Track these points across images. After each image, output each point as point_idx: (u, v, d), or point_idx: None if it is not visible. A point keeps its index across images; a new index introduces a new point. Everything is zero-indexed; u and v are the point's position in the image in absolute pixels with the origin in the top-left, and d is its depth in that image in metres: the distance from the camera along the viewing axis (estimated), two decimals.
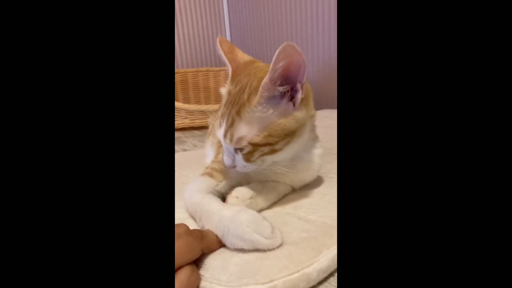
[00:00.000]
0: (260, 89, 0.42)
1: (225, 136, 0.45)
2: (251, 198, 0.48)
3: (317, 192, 0.54)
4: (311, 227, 0.44)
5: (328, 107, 1.21)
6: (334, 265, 0.38)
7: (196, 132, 1.14)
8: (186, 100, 1.52)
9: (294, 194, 0.54)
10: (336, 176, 0.60)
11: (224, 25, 1.75)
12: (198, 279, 0.36)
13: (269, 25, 1.49)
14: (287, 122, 0.44)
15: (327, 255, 0.38)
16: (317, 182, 0.58)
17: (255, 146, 0.44)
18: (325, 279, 0.38)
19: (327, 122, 0.95)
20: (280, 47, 0.38)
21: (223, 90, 0.49)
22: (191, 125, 1.15)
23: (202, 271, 0.37)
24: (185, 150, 0.96)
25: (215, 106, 0.99)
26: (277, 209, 0.50)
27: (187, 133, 1.14)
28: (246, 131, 0.43)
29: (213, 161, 0.57)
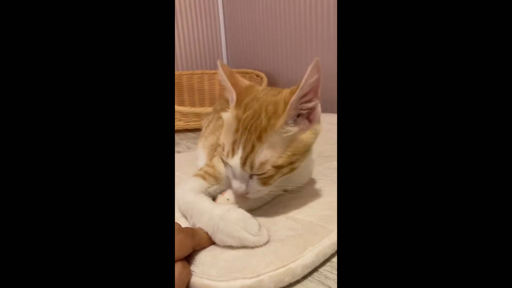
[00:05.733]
0: (289, 107, 0.43)
1: (243, 163, 0.43)
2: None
3: (306, 193, 0.56)
4: (298, 226, 0.46)
5: (322, 111, 1.22)
6: (318, 260, 0.41)
7: (190, 134, 1.15)
8: (181, 103, 1.53)
9: (284, 195, 0.56)
10: (325, 178, 0.62)
11: (219, 28, 1.77)
12: (189, 274, 0.38)
13: (264, 28, 1.51)
14: (308, 138, 0.46)
15: (312, 252, 0.40)
16: (306, 183, 0.60)
17: (278, 168, 0.44)
18: (310, 273, 0.40)
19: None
20: (312, 63, 0.40)
21: (226, 115, 0.48)
22: (186, 127, 1.16)
23: (193, 267, 0.39)
24: (179, 152, 0.97)
25: (209, 109, 1.00)
26: (266, 208, 0.52)
27: (181, 135, 1.15)
28: (269, 154, 0.43)
29: (207, 165, 0.58)
